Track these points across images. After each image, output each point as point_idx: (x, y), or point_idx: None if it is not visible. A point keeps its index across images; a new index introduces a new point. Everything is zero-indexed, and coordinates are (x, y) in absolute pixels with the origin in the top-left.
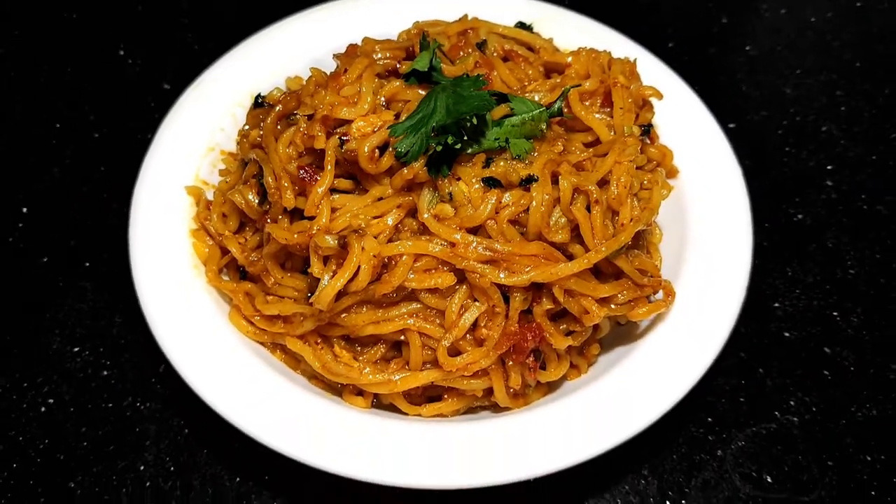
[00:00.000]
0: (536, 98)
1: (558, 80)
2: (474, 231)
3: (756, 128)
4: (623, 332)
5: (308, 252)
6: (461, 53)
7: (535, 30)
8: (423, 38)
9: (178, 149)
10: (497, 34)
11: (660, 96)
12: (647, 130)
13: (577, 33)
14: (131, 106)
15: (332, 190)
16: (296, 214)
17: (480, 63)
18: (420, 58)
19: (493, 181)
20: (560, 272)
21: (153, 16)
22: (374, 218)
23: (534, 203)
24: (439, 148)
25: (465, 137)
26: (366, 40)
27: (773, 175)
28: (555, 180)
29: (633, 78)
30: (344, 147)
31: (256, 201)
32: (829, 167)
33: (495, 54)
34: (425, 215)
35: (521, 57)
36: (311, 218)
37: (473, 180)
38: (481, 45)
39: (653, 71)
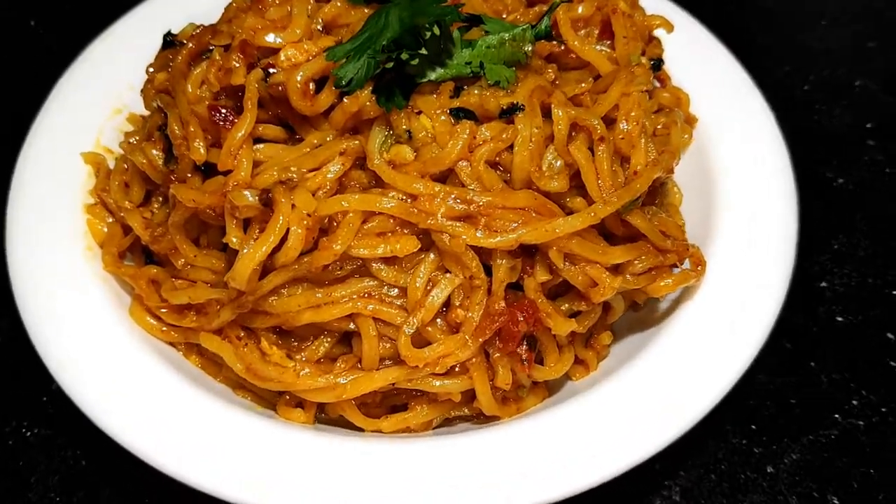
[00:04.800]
0: None
1: (544, 9)
2: (442, 179)
3: (779, 85)
4: (640, 318)
5: (224, 219)
6: None
7: None
8: None
9: (76, 110)
10: None
11: (669, 27)
12: (658, 66)
13: None
14: (23, 69)
15: (257, 140)
16: (210, 173)
17: None
18: None
19: (464, 112)
20: (558, 229)
21: None
22: (311, 171)
23: (519, 138)
24: (390, 65)
25: (425, 53)
26: None
27: (803, 136)
28: (546, 113)
29: (635, 7)
30: (269, 81)
31: (161, 159)
32: (868, 125)
33: None
34: (376, 161)
35: None
36: (228, 173)
37: (438, 112)
38: None
39: (659, 8)
